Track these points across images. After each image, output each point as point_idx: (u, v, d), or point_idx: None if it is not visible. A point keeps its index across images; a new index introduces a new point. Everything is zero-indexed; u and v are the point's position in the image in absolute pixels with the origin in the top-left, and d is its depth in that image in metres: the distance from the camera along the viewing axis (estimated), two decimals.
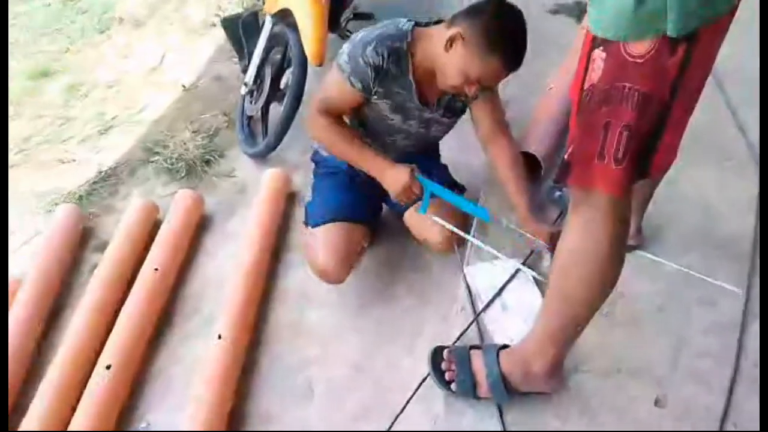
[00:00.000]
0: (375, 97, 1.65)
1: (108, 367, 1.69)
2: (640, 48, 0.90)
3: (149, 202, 2.25)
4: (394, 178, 1.62)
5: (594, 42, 0.95)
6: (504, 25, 1.50)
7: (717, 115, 2.10)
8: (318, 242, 1.76)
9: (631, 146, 0.97)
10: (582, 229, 1.13)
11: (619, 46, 0.91)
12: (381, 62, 1.58)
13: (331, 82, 1.66)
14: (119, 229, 2.13)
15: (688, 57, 0.89)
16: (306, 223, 1.85)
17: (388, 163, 1.65)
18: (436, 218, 1.69)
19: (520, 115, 2.05)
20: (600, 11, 0.92)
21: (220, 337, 1.72)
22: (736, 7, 0.93)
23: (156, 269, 1.95)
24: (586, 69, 0.97)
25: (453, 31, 1.51)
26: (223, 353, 1.70)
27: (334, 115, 1.68)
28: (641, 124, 0.96)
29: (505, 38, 1.50)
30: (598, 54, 0.94)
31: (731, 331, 1.51)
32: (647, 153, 1.00)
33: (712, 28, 0.90)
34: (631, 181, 1.03)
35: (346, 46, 1.62)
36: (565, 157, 1.06)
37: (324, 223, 1.77)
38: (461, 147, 2.05)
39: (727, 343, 1.49)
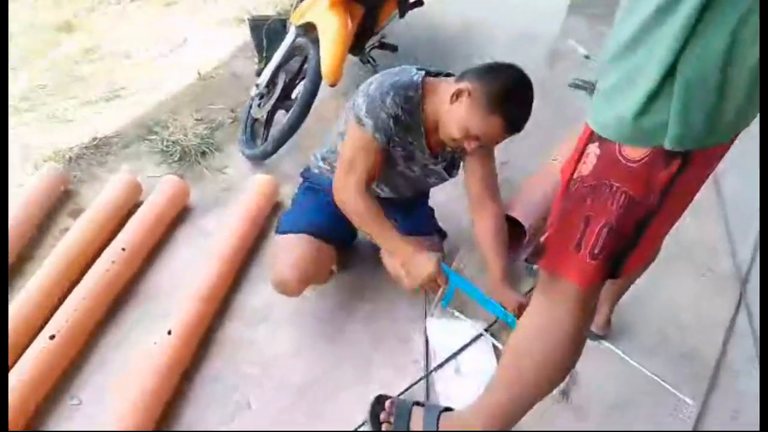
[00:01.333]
0: (391, 145, 1.62)
1: (52, 337, 1.65)
2: (635, 153, 0.89)
3: (134, 179, 2.21)
4: (420, 266, 1.53)
5: (591, 136, 0.94)
6: (511, 88, 1.51)
7: (713, 232, 2.11)
8: (282, 250, 1.71)
9: (610, 244, 0.96)
10: (546, 311, 1.12)
11: (615, 146, 0.90)
12: (399, 111, 1.56)
13: (355, 144, 1.58)
14: (97, 201, 2.09)
15: (680, 172, 0.88)
16: (276, 231, 1.81)
17: (415, 249, 1.56)
18: None
19: (516, 178, 2.04)
20: (602, 110, 0.91)
21: (170, 332, 1.68)
22: (735, 137, 0.92)
23: (123, 249, 1.92)
24: (579, 159, 0.96)
25: (461, 85, 1.52)
26: (167, 350, 1.65)
27: (365, 183, 1.59)
28: (624, 224, 0.95)
29: (510, 101, 1.50)
30: (593, 149, 0.93)
31: None
32: (623, 254, 0.99)
33: (709, 152, 0.90)
34: (602, 277, 1.02)
35: (361, 101, 1.56)
36: (542, 239, 1.05)
37: (292, 232, 1.73)
38: (457, 195, 2.03)
39: None
